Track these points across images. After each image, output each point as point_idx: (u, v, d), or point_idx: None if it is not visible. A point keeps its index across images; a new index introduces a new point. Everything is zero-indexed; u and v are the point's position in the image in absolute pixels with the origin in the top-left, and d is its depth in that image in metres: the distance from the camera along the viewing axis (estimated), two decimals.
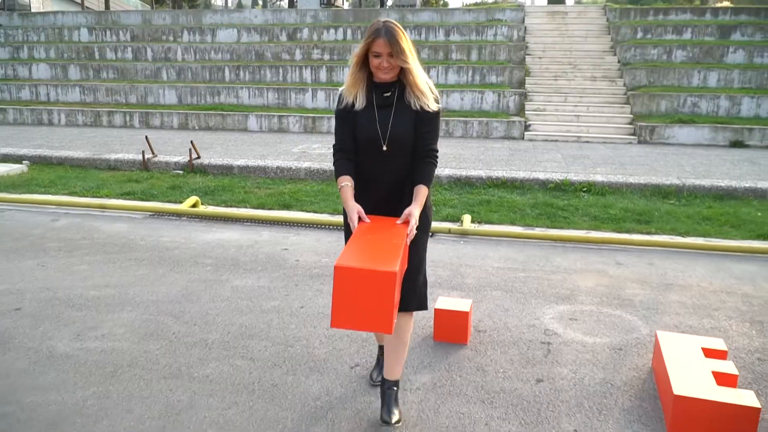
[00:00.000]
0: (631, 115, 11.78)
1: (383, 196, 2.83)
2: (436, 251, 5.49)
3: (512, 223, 6.48)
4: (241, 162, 9.39)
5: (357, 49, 2.72)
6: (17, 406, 2.97)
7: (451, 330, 3.62)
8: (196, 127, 13.41)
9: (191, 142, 9.56)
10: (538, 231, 6.12)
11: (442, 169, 8.65)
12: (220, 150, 10.55)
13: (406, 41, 2.63)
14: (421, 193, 2.72)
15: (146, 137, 9.99)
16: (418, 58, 2.73)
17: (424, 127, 2.74)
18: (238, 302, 4.30)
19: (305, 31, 16.49)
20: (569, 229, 6.21)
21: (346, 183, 2.75)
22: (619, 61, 13.46)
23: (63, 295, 4.41)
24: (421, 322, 3.94)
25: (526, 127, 11.75)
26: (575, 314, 4.10)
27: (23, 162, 9.90)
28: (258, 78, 14.94)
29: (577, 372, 3.32)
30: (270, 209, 7.09)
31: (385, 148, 2.73)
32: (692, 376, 2.79)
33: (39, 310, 4.15)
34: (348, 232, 2.80)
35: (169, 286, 4.60)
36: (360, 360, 3.44)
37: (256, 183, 8.57)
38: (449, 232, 6.11)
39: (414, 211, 2.65)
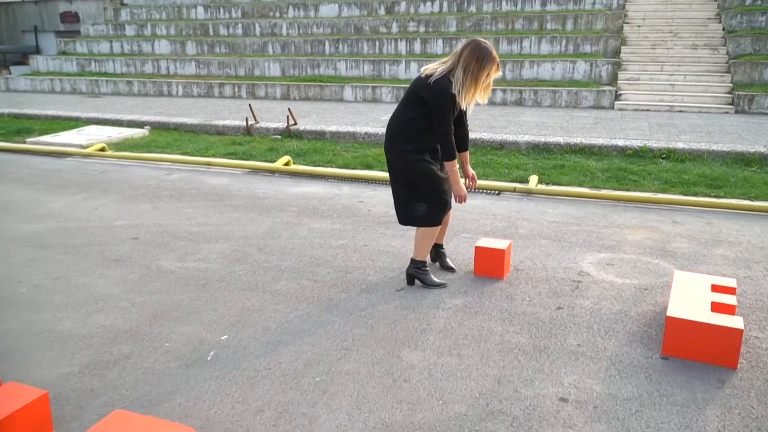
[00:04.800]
0: (731, 84, 11.29)
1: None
2: (497, 207, 5.89)
3: (580, 185, 6.71)
4: (333, 128, 10.11)
5: (480, 70, 3.53)
6: (129, 303, 3.79)
7: (490, 265, 4.07)
8: (297, 98, 14.33)
9: (289, 109, 10.41)
10: (603, 192, 6.33)
11: (522, 136, 8.91)
12: (316, 118, 11.34)
13: None
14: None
15: (249, 105, 10.97)
16: None
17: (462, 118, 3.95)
18: (312, 240, 4.97)
19: (402, 5, 16.93)
20: (635, 191, 6.36)
21: (457, 166, 3.81)
22: (723, 29, 12.82)
23: (171, 230, 5.28)
24: (464, 260, 4.43)
25: (617, 97, 11.60)
26: (613, 261, 4.41)
27: (145, 127, 11.20)
28: (355, 51, 15.64)
29: (596, 304, 3.68)
30: (354, 169, 7.73)
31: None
32: (690, 303, 3.10)
33: (151, 239, 5.03)
34: (441, 199, 3.85)
35: (257, 226, 5.36)
36: (405, 286, 3.98)
37: (345, 147, 9.25)
38: (514, 190, 6.47)
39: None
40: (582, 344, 3.18)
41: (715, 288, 3.33)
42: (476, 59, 3.51)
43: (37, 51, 25.41)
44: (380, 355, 3.09)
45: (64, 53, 19.77)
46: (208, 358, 3.08)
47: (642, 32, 13.46)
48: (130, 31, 19.53)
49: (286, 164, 7.78)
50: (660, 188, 6.49)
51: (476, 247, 4.10)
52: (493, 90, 12.57)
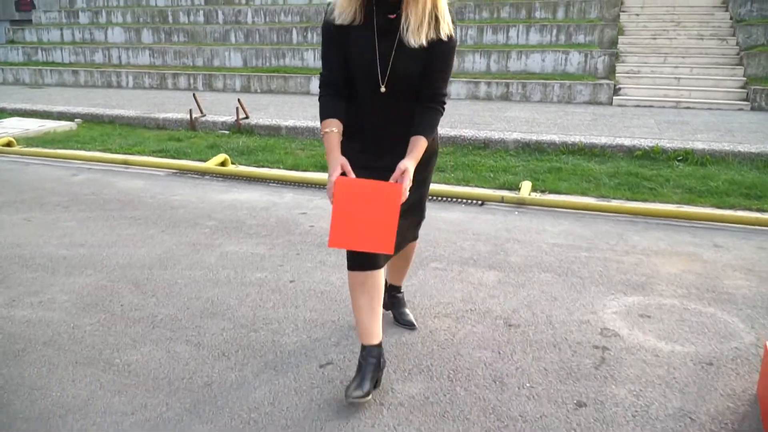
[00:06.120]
0: (744, 78, 10.00)
1: (380, 149, 2.22)
2: (480, 222, 4.48)
3: (583, 193, 5.32)
4: (290, 123, 8.64)
5: None
6: None
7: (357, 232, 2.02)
8: (258, 90, 12.83)
9: (239, 100, 8.92)
10: (614, 203, 4.94)
11: (510, 133, 7.52)
12: (273, 111, 9.86)
13: None
14: (419, 145, 2.13)
15: (194, 95, 9.46)
16: None
17: (436, 64, 2.12)
18: (218, 271, 3.51)
19: None
20: (655, 203, 4.99)
21: (331, 129, 2.14)
22: (731, 18, 11.55)
23: (28, 253, 3.79)
24: (432, 306, 2.99)
25: (615, 91, 10.26)
26: (649, 309, 3.00)
27: (75, 120, 9.64)
28: None
29: (640, 395, 2.26)
30: (304, 171, 6.28)
31: (383, 89, 2.13)
32: None
33: None
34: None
35: (151, 248, 3.88)
36: (335, 357, 2.54)
37: (302, 145, 7.79)
38: (502, 200, 5.05)
39: (408, 165, 2.06)
40: None
41: None
42: None
43: None
44: None
45: (12, 42, 18.07)
46: None
47: (641, 21, 12.15)
48: (84, 18, 17.88)
49: (222, 164, 6.30)
50: (684, 198, 5.12)
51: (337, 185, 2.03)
52: (476, 83, 11.21)
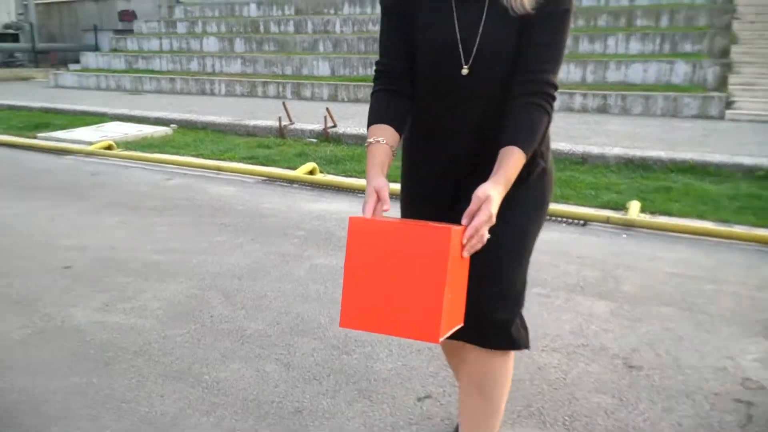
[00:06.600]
0: None
1: (455, 162, 1.60)
2: (584, 244, 4.13)
3: (700, 216, 4.83)
4: None
5: None
6: None
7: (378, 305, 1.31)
8: (345, 99, 12.86)
9: (327, 109, 8.90)
10: (738, 229, 4.45)
11: (611, 149, 7.05)
12: (360, 121, 9.78)
13: None
14: (512, 160, 1.38)
15: (284, 103, 9.53)
16: None
17: (540, 35, 1.43)
18: (308, 285, 3.36)
19: None
20: None
21: (377, 139, 1.52)
22: None
23: (122, 257, 3.80)
24: (539, 336, 2.69)
25: (728, 105, 9.49)
26: None
27: (171, 125, 9.95)
28: None
29: None
30: (394, 182, 6.10)
31: (465, 70, 1.48)
32: None
33: (88, 270, 3.56)
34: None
35: (240, 257, 3.80)
36: (433, 390, 2.31)
37: None
38: (608, 221, 4.66)
39: (491, 192, 1.31)
40: None
41: None
42: None
43: (96, 49, 25.14)
44: None
45: (115, 50, 19.16)
46: None
47: (756, 29, 11.26)
48: (181, 28, 18.67)
49: (311, 173, 6.23)
50: None
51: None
52: (571, 94, 10.70)
